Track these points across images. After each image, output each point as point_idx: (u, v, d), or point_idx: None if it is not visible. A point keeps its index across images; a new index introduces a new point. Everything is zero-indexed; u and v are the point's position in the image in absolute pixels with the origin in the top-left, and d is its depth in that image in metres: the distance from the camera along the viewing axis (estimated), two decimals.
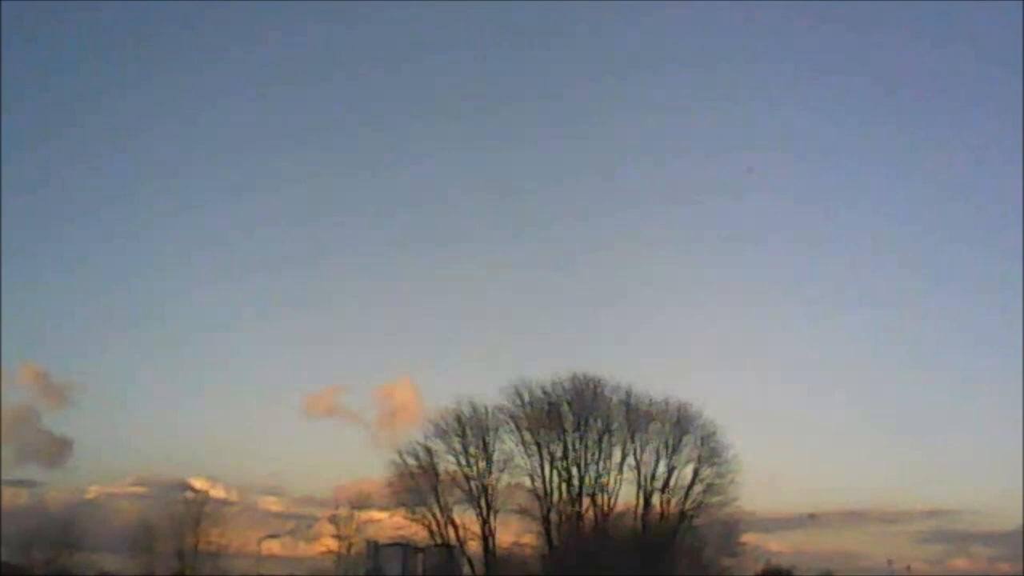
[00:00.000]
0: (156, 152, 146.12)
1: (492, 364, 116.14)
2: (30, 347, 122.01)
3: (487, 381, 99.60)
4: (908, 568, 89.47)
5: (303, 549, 74.24)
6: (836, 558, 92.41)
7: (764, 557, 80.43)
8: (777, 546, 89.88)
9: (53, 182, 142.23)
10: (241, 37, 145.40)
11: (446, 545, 70.34)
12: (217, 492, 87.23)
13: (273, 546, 75.95)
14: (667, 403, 71.50)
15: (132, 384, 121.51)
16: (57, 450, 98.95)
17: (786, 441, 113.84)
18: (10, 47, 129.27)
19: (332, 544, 73.23)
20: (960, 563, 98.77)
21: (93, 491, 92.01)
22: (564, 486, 69.66)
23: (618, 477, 70.37)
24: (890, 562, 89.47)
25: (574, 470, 69.64)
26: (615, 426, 70.81)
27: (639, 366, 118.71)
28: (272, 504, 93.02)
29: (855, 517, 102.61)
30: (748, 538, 74.24)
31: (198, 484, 79.48)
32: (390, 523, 71.27)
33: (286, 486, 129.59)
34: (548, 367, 77.85)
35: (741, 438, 72.53)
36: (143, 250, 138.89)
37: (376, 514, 72.82)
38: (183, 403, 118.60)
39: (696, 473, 70.72)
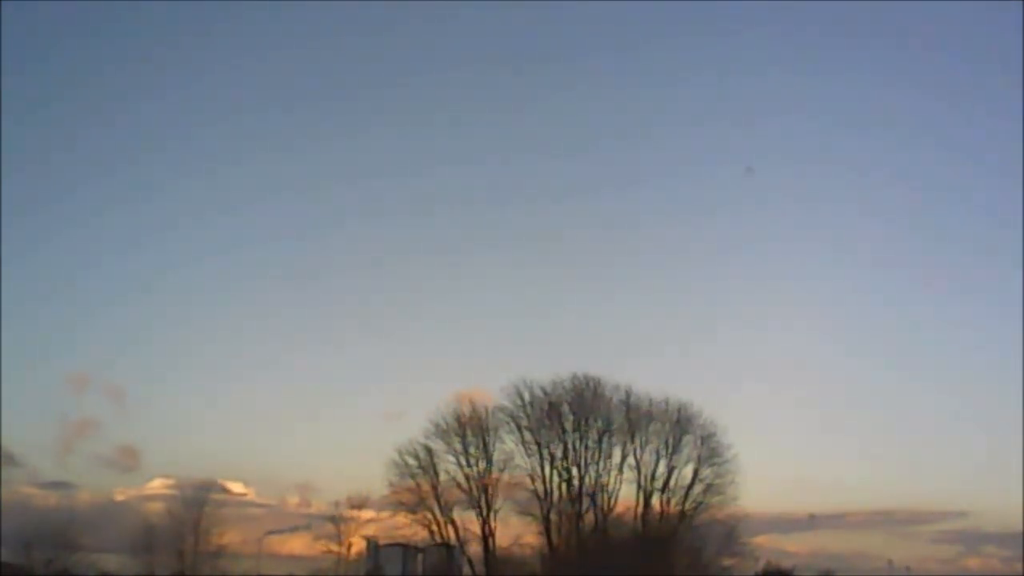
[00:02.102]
0: (210, 154, 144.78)
1: (492, 364, 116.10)
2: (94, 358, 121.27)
3: (487, 381, 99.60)
4: (908, 568, 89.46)
5: (323, 548, 74.15)
6: (852, 559, 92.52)
7: (764, 557, 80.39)
8: (794, 547, 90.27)
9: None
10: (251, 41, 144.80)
11: (446, 545, 70.42)
12: (249, 494, 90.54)
13: (296, 545, 75.96)
14: (667, 403, 71.74)
15: (201, 389, 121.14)
16: (127, 458, 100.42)
17: (787, 441, 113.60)
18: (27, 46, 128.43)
19: (333, 544, 73.39)
20: (973, 563, 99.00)
21: (121, 493, 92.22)
22: (564, 486, 69.82)
23: (618, 477, 70.61)
24: (890, 562, 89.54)
25: (574, 470, 69.82)
26: (615, 426, 70.97)
27: (639, 366, 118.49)
28: (305, 505, 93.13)
29: (861, 518, 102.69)
30: (762, 539, 74.51)
31: (231, 486, 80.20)
32: (390, 523, 71.39)
33: (332, 489, 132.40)
34: (548, 367, 77.91)
35: (741, 438, 72.58)
36: (207, 250, 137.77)
37: (376, 514, 72.96)
38: (249, 409, 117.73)
39: (696, 473, 70.91)
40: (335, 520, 73.88)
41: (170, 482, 73.12)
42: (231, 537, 70.44)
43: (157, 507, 71.71)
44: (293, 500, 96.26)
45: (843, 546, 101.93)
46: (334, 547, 73.21)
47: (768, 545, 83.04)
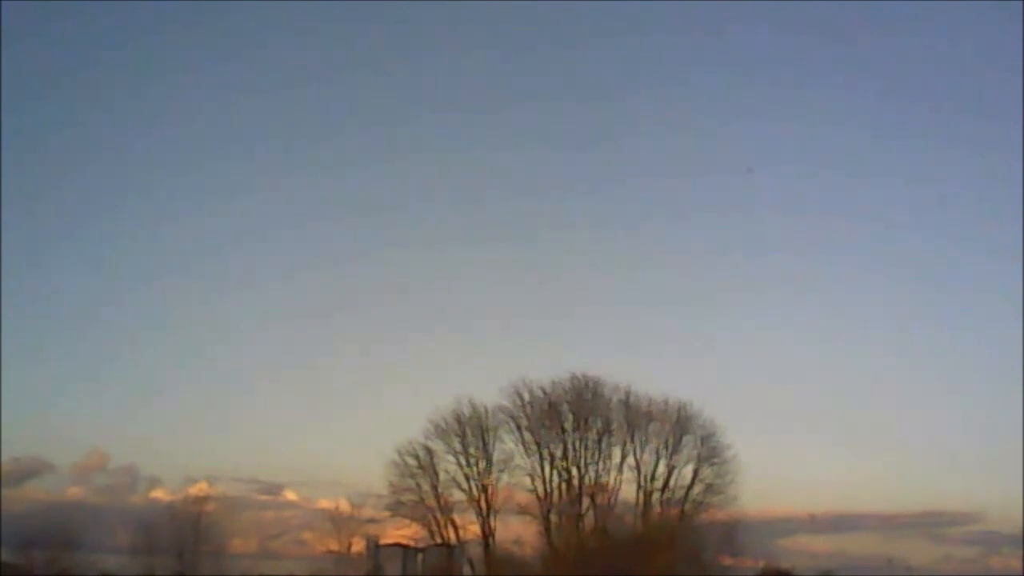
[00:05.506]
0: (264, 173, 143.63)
1: (492, 364, 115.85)
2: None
3: (487, 381, 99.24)
4: (908, 568, 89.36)
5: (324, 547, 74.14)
6: (876, 560, 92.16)
7: (764, 557, 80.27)
8: (824, 547, 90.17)
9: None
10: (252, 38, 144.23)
11: (446, 545, 70.52)
12: (291, 496, 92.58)
13: (320, 545, 76.03)
14: (667, 403, 71.64)
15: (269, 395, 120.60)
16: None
17: (789, 441, 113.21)
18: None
19: (333, 544, 73.34)
20: (996, 562, 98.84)
21: (160, 494, 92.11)
22: (564, 486, 69.82)
23: (618, 477, 70.64)
24: (890, 560, 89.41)
25: (574, 470, 69.82)
26: (615, 426, 70.98)
27: (639, 366, 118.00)
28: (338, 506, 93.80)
29: (871, 519, 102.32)
30: (792, 541, 74.47)
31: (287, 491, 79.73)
32: (390, 523, 71.49)
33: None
34: (548, 367, 77.71)
35: (741, 438, 72.52)
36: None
37: (376, 514, 72.97)
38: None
39: (696, 473, 70.95)
40: (335, 520, 73.85)
41: (218, 485, 73.06)
42: (236, 538, 70.41)
43: (207, 509, 71.31)
44: (322, 501, 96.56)
45: (868, 548, 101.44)
46: (333, 546, 73.15)
47: (795, 548, 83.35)
